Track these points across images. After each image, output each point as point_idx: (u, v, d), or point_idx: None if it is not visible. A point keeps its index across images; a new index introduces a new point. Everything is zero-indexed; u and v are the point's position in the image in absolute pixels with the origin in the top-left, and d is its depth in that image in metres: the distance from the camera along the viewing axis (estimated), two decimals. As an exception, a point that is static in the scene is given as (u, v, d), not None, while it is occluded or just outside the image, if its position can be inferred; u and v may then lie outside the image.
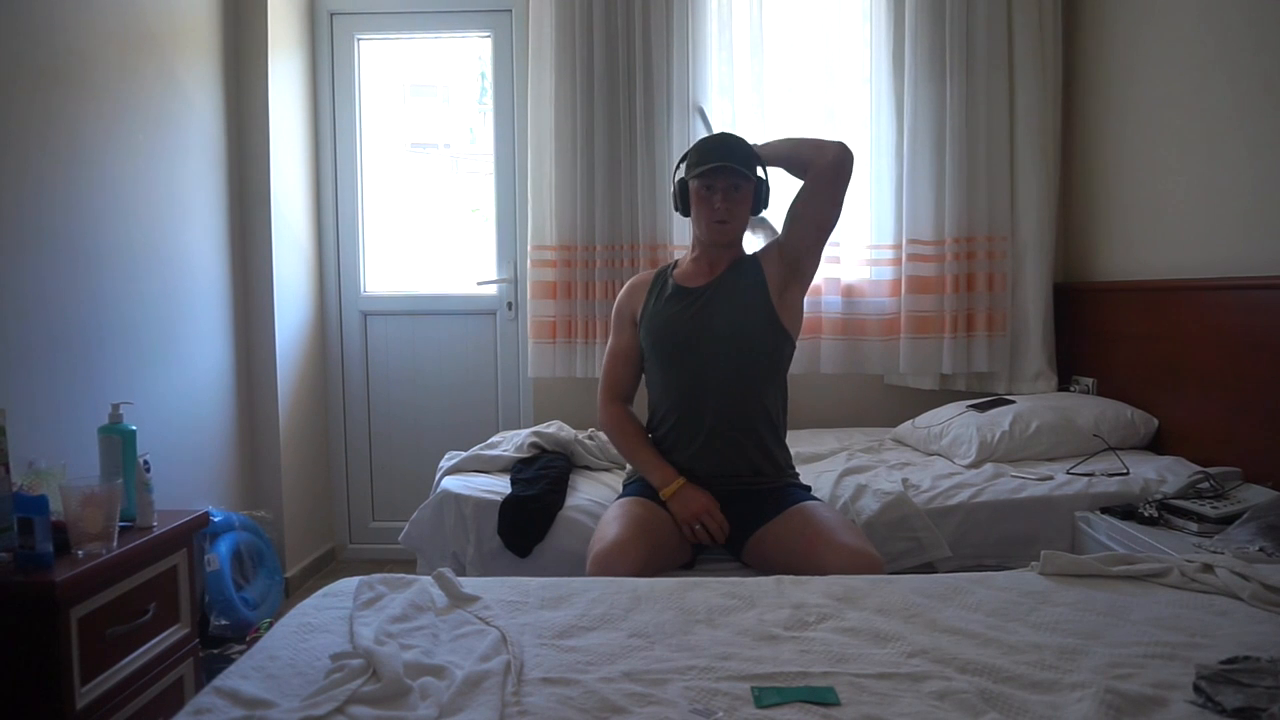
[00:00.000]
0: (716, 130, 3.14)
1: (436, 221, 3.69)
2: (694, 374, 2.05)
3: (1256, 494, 1.98)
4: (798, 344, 3.18)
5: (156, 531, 1.91)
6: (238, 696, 1.12)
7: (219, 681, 1.16)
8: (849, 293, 3.22)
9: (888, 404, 3.33)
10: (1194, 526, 1.92)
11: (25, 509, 1.62)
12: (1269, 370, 2.19)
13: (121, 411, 1.96)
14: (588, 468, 2.65)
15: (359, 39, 3.53)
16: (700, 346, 2.05)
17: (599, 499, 2.30)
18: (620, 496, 2.12)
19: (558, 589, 1.53)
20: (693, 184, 2.07)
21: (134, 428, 1.96)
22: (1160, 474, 2.32)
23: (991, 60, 3.10)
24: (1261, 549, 1.72)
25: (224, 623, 2.50)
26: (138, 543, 1.83)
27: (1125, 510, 2.08)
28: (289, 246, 3.26)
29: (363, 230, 3.57)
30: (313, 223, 3.49)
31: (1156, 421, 2.66)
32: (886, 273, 3.19)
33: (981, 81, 3.10)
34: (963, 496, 2.27)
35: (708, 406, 2.04)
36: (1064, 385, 3.16)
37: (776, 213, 2.20)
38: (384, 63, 3.61)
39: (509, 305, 3.53)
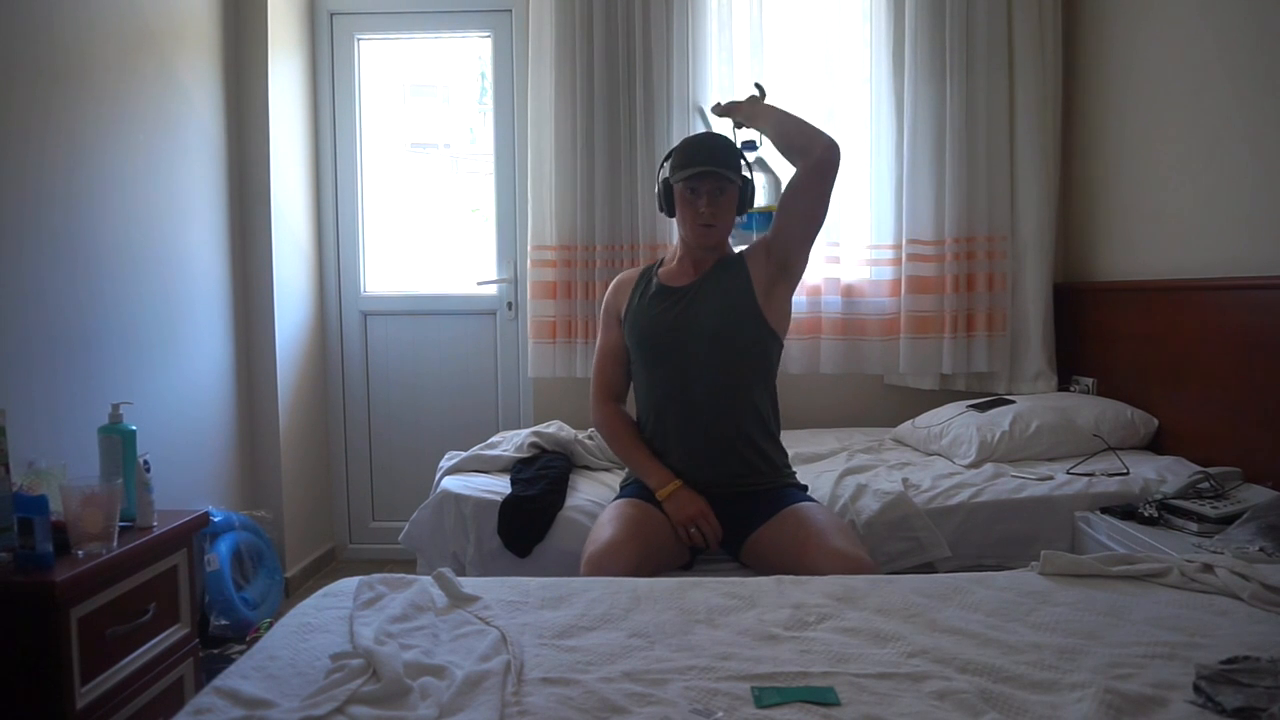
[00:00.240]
0: (716, 130, 3.14)
1: (436, 221, 3.69)
2: (678, 374, 2.05)
3: (1256, 494, 1.98)
4: (798, 344, 3.24)
5: (156, 531, 1.91)
6: (238, 696, 1.12)
7: (219, 681, 1.16)
8: (849, 293, 3.21)
9: (888, 404, 3.33)
10: (1194, 526, 1.92)
11: (25, 509, 1.62)
12: (1269, 370, 2.19)
13: (121, 411, 1.96)
14: (587, 468, 2.65)
15: (359, 39, 3.53)
16: (684, 346, 2.05)
17: (599, 499, 2.30)
18: (617, 498, 2.12)
19: (558, 589, 1.53)
20: (677, 186, 2.06)
21: (134, 428, 1.96)
22: (1160, 474, 2.32)
23: (991, 60, 3.10)
24: (1261, 549, 1.72)
25: (224, 623, 2.50)
26: (138, 543, 1.83)
27: (1125, 510, 2.08)
28: (289, 246, 3.26)
29: (363, 230, 3.57)
30: (313, 223, 3.49)
31: (1156, 421, 2.66)
32: (886, 273, 3.19)
33: (981, 81, 3.10)
34: (963, 496, 2.27)
35: (693, 406, 2.04)
36: (1064, 385, 3.16)
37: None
38: (384, 63, 3.61)
39: (509, 305, 3.53)
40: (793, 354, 3.20)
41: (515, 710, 1.10)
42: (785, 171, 2.23)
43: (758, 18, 3.18)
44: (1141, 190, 2.82)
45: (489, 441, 2.74)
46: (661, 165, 2.16)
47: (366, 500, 3.63)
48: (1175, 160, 2.64)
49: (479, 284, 3.54)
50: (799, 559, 1.82)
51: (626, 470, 2.24)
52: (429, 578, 1.54)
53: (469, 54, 3.63)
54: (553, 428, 2.75)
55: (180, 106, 2.74)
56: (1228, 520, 1.90)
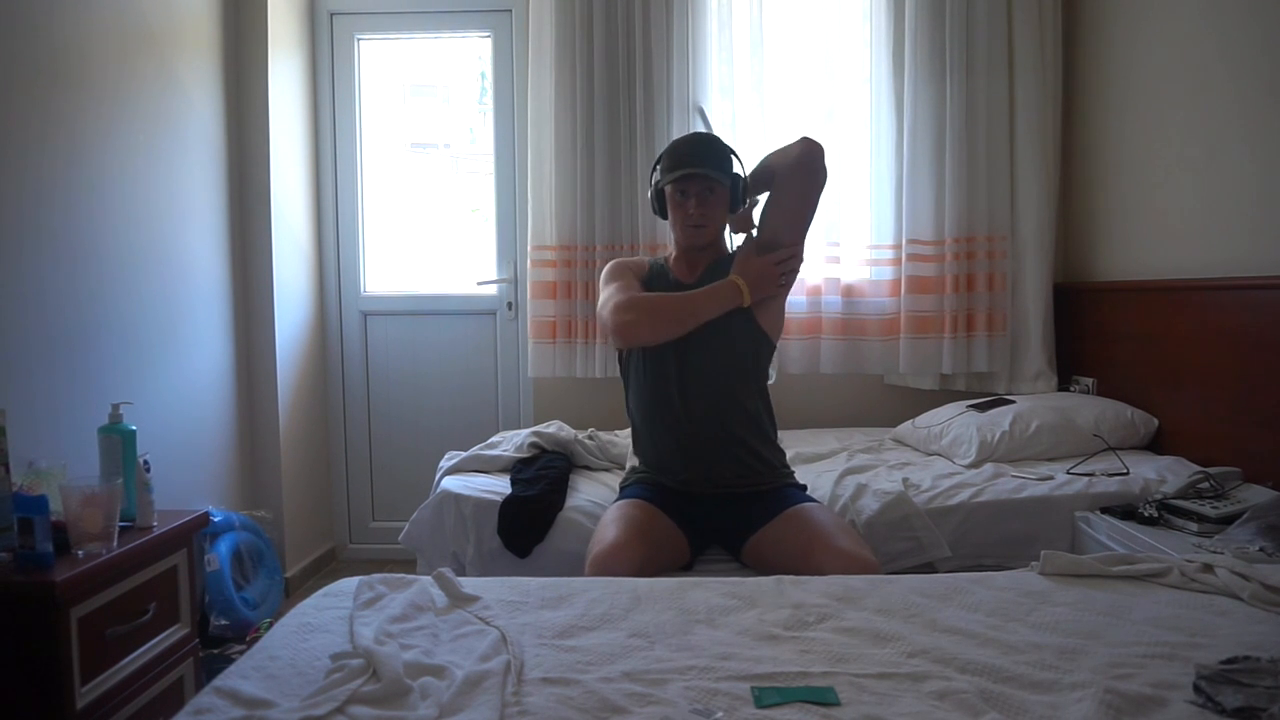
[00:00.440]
0: (716, 130, 3.15)
1: (436, 221, 3.69)
2: (672, 375, 2.05)
3: (1256, 494, 1.98)
4: (798, 344, 3.24)
5: (156, 531, 1.91)
6: (238, 696, 1.12)
7: (219, 681, 1.16)
8: (849, 293, 3.22)
9: (888, 404, 3.33)
10: (1194, 526, 1.92)
11: (25, 509, 1.62)
12: (1269, 370, 2.19)
13: (121, 411, 1.96)
14: (587, 468, 2.65)
15: (359, 39, 3.53)
16: (678, 347, 2.04)
17: (599, 499, 2.30)
18: (618, 499, 2.12)
19: (558, 589, 1.53)
20: (667, 189, 2.07)
21: (134, 428, 1.96)
22: (1160, 474, 2.32)
23: (991, 60, 3.10)
24: (1261, 549, 1.72)
25: (224, 623, 2.50)
26: (138, 543, 1.83)
27: (1125, 510, 2.08)
28: (289, 246, 3.26)
29: (363, 230, 3.57)
30: (313, 223, 3.49)
31: (1156, 421, 2.66)
32: (886, 273, 3.19)
33: (981, 81, 3.10)
34: (963, 496, 2.27)
35: (685, 408, 2.04)
36: (1064, 385, 3.16)
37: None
38: (384, 63, 3.61)
39: (509, 305, 3.53)
40: (793, 354, 3.20)
41: (515, 710, 1.10)
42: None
43: (758, 18, 3.18)
44: (1141, 190, 2.83)
45: (489, 441, 2.74)
46: (654, 169, 2.17)
47: (366, 500, 3.63)
48: (1175, 160, 2.64)
49: (479, 284, 3.54)
50: (805, 560, 1.82)
51: (626, 470, 2.24)
52: (429, 578, 1.54)
53: (469, 54, 3.63)
54: (553, 428, 2.75)
55: (180, 106, 2.74)
56: (1228, 520, 1.90)
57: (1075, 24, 3.19)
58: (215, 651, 2.42)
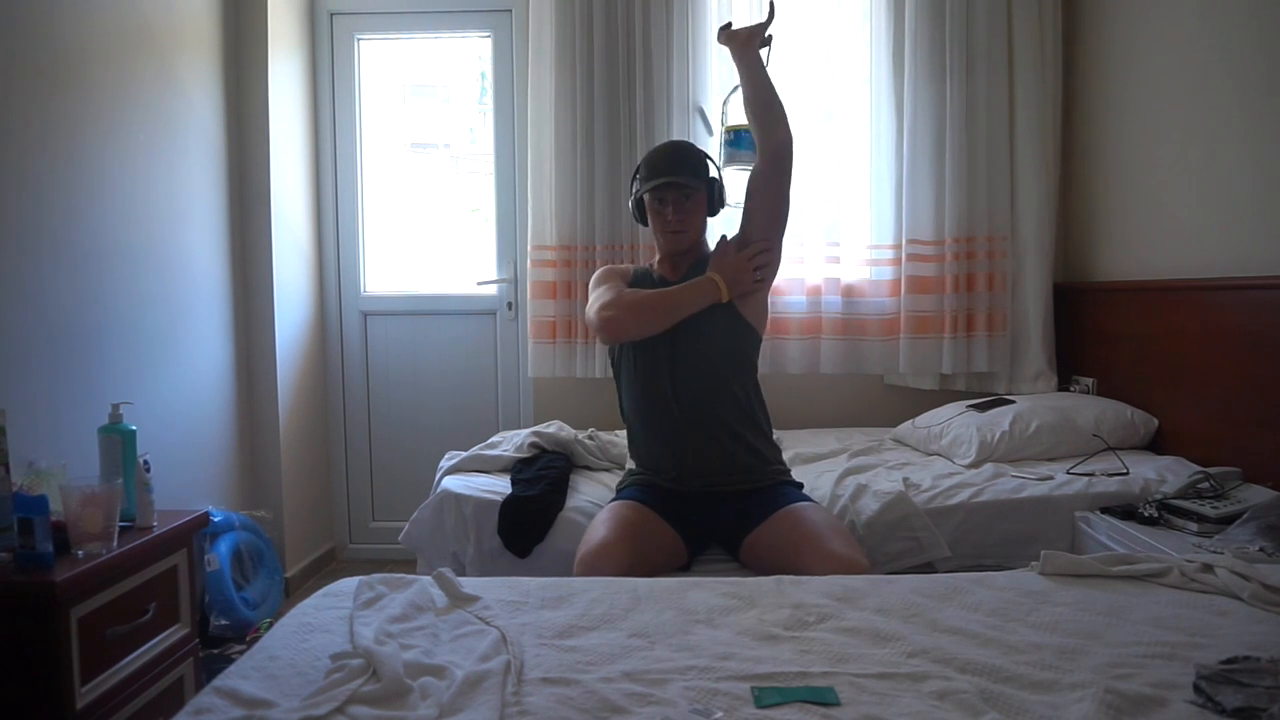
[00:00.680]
0: (716, 131, 3.15)
1: (436, 221, 3.69)
2: (661, 372, 2.07)
3: (1256, 494, 1.98)
4: (798, 344, 3.24)
5: (156, 531, 1.91)
6: (238, 696, 1.12)
7: (219, 681, 1.16)
8: (849, 293, 3.21)
9: (888, 404, 3.33)
10: (1194, 526, 1.92)
11: (25, 509, 1.62)
12: (1269, 370, 2.19)
13: (121, 411, 1.96)
14: (588, 468, 2.65)
15: (359, 39, 3.53)
16: (666, 344, 2.07)
17: (599, 499, 2.30)
18: (614, 499, 2.13)
19: (558, 589, 1.53)
20: (646, 198, 2.13)
21: (134, 428, 1.96)
22: (1160, 474, 2.32)
23: (991, 60, 3.09)
24: (1261, 549, 1.72)
25: (224, 623, 2.50)
26: (138, 543, 1.83)
27: (1125, 510, 2.08)
28: (289, 246, 3.26)
29: (363, 230, 3.57)
30: (313, 223, 3.49)
31: (1156, 421, 2.66)
32: (886, 273, 3.19)
33: (981, 81, 3.10)
34: (963, 496, 2.27)
35: (676, 405, 2.06)
36: (1064, 385, 3.16)
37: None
38: (384, 63, 3.61)
39: (509, 305, 3.53)
40: (793, 354, 3.20)
41: (515, 710, 1.10)
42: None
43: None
44: (1141, 190, 2.82)
45: (489, 441, 2.74)
46: (633, 178, 2.21)
47: (366, 500, 3.63)
48: (1175, 160, 2.64)
49: (479, 284, 3.54)
50: (794, 561, 1.82)
51: (624, 471, 2.24)
52: (429, 578, 1.54)
53: (469, 54, 3.63)
54: (553, 428, 2.75)
55: (180, 106, 2.74)
56: (1228, 520, 1.90)
57: (1075, 23, 3.19)
58: (215, 651, 2.42)
